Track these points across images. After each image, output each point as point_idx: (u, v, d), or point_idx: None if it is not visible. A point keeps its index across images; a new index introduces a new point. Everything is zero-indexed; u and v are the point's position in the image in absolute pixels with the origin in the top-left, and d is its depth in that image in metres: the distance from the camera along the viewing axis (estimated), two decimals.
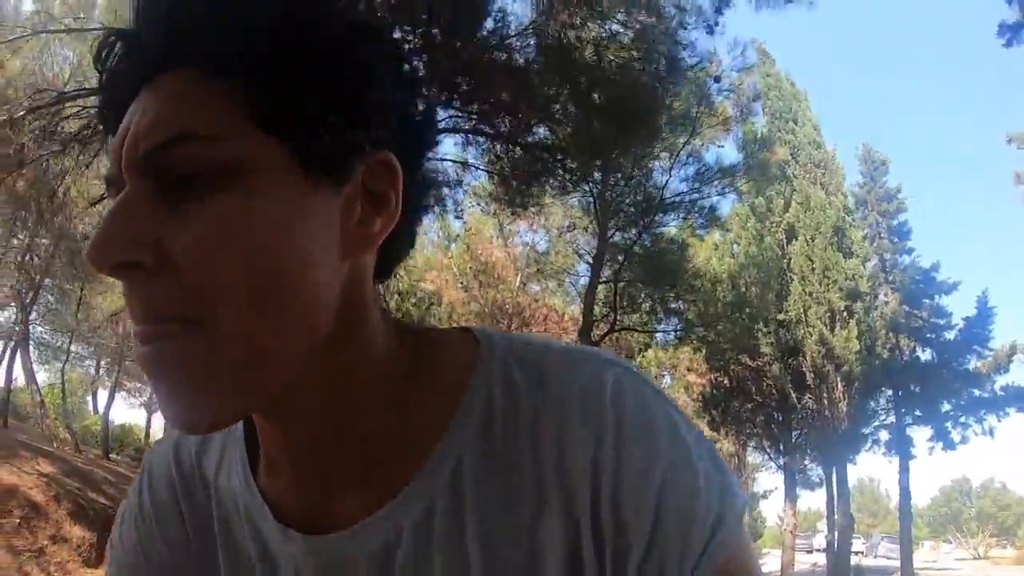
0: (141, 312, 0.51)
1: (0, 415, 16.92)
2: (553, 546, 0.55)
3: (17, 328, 18.30)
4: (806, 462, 19.00)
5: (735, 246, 18.03)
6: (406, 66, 0.61)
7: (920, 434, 17.46)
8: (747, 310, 14.43)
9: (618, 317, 14.11)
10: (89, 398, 31.47)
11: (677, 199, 13.02)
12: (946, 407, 15.87)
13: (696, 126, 12.39)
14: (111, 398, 22.74)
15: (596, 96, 9.11)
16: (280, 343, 0.53)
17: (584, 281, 16.19)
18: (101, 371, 26.26)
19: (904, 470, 16.73)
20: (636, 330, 14.72)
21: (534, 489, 0.56)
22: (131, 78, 0.54)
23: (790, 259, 17.78)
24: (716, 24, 10.34)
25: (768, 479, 53.99)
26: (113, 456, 21.02)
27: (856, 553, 26.47)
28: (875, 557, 41.56)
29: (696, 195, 12.78)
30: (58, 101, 9.16)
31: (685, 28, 9.68)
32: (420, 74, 0.69)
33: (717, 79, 12.44)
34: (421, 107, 0.62)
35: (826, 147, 20.49)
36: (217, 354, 0.50)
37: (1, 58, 11.41)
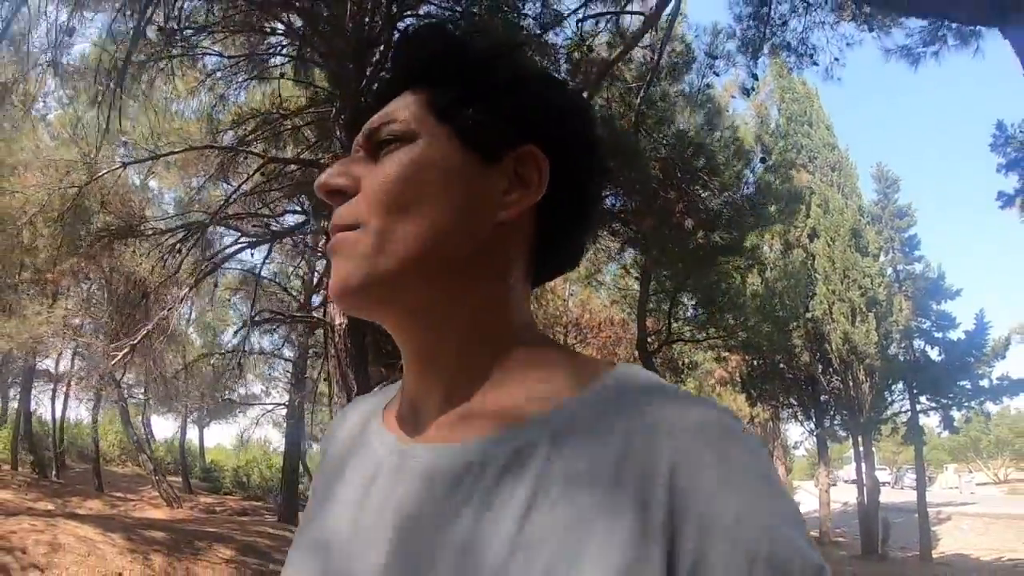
0: (334, 222, 0.71)
1: None
2: (615, 541, 0.55)
3: None
4: (835, 428, 21.24)
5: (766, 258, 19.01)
6: (554, 80, 0.78)
7: (930, 421, 19.82)
8: (780, 314, 16.37)
9: (671, 328, 15.71)
10: None
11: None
12: (951, 395, 17.98)
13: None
14: None
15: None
16: (407, 251, 0.68)
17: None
18: None
19: (919, 455, 19.02)
20: (688, 340, 16.63)
21: (614, 487, 0.57)
22: (380, 100, 0.77)
23: (814, 258, 19.42)
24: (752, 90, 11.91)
25: (796, 433, 55.78)
26: None
27: (884, 484, 28.57)
28: (901, 488, 43.12)
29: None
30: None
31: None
32: (575, 86, 0.90)
33: (763, 159, 13.49)
34: (576, 113, 0.76)
35: (840, 148, 21.60)
36: (360, 246, 0.69)
37: None
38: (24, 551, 11.88)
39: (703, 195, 10.00)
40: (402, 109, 0.72)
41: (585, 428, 0.61)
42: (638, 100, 8.50)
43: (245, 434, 37.27)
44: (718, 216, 10.17)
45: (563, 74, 8.55)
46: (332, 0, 8.35)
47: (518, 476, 0.60)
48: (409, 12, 8.84)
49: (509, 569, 0.56)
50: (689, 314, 16.24)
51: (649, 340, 15.85)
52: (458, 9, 8.52)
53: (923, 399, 18.82)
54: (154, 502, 21.22)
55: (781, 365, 19.53)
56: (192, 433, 37.87)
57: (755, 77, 11.29)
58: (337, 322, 8.95)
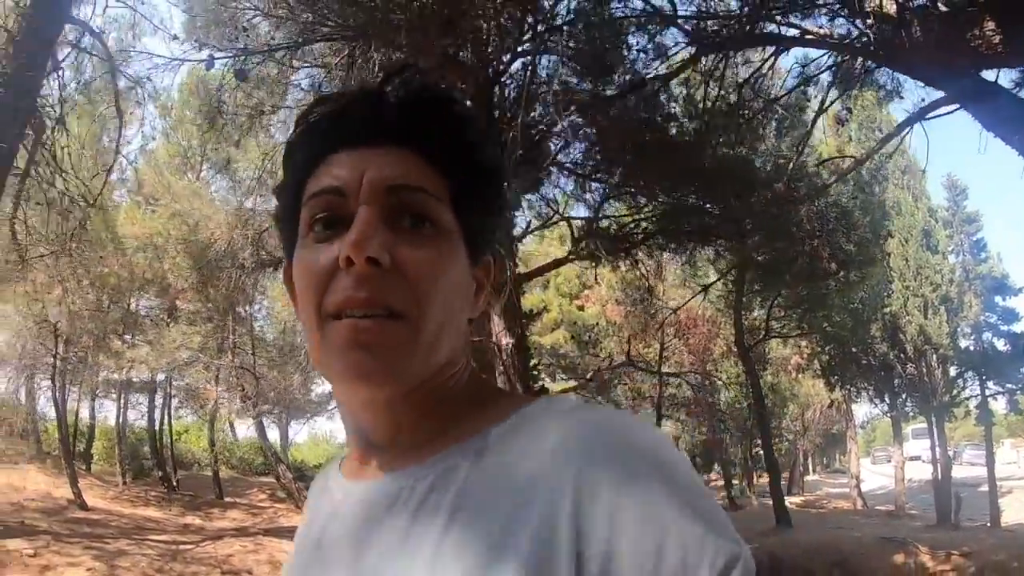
0: (368, 297, 0.67)
1: None
2: (526, 548, 0.59)
3: None
4: (908, 410, 23.12)
5: None
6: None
7: (996, 404, 22.23)
8: (864, 313, 18.18)
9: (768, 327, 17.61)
10: None
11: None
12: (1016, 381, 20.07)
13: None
14: None
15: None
16: (441, 347, 0.72)
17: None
18: None
19: (988, 435, 21.26)
20: (783, 336, 18.50)
21: (525, 501, 0.61)
22: (353, 136, 0.73)
23: (889, 256, 20.50)
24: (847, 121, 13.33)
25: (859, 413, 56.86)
26: None
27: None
28: (961, 464, 44.16)
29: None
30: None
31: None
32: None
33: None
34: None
35: (908, 152, 22.36)
36: (414, 341, 0.69)
37: None
38: (250, 572, 13.39)
39: (845, 245, 11.65)
40: (429, 183, 0.72)
41: (501, 449, 0.67)
42: (790, 166, 9.77)
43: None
44: (853, 257, 12.01)
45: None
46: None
47: (442, 493, 0.66)
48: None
49: (441, 562, 0.62)
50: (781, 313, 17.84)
51: (746, 337, 17.60)
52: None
53: (991, 384, 20.94)
54: (288, 507, 22.08)
55: (856, 352, 21.15)
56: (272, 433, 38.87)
57: (849, 111, 12.64)
58: (504, 343, 9.91)
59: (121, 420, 25.59)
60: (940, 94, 7.37)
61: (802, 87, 9.21)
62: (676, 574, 0.56)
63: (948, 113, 7.65)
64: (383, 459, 0.76)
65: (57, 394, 20.33)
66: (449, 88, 0.77)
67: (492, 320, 9.92)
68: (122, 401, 25.86)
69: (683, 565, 0.56)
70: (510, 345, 9.95)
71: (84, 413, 26.35)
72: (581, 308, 23.12)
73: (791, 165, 9.54)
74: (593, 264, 13.34)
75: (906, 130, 8.44)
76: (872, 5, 6.80)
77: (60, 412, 20.07)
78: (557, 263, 12.54)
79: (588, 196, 12.18)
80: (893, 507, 22.43)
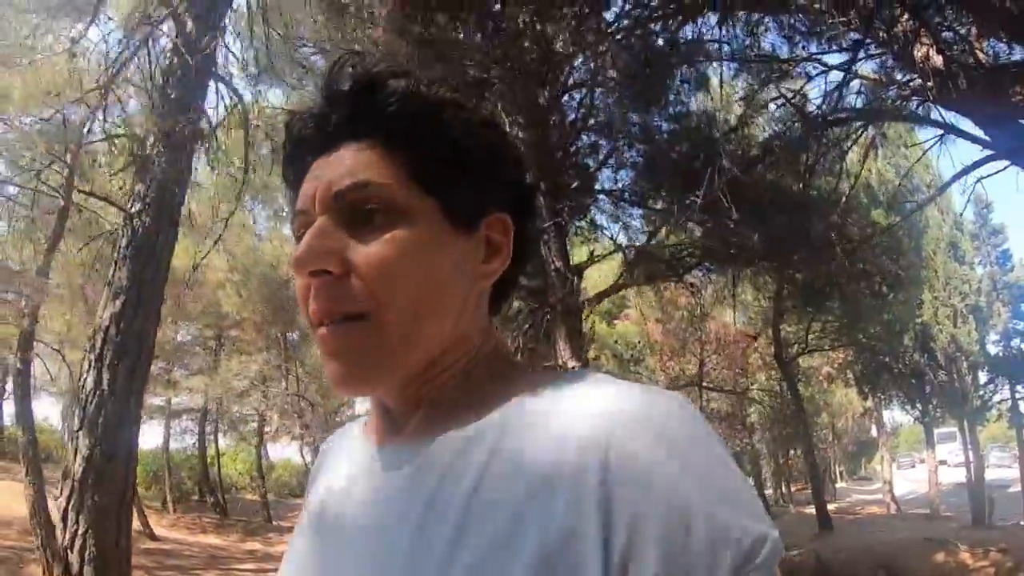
0: (324, 306, 0.70)
1: None
2: (555, 511, 0.59)
3: None
4: (938, 415, 23.82)
5: None
6: (517, 152, 0.81)
7: None
8: (896, 324, 18.80)
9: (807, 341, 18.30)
10: None
11: None
12: None
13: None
14: None
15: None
16: (422, 337, 0.71)
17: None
18: None
19: (1020, 437, 21.72)
20: (820, 350, 19.19)
21: (555, 464, 0.61)
22: (316, 146, 0.75)
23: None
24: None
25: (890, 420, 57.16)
26: None
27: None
28: (988, 466, 44.09)
29: None
30: None
31: None
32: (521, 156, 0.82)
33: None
34: (529, 182, 0.82)
35: (932, 166, 22.57)
36: (381, 340, 0.69)
37: None
38: None
39: (891, 268, 12.17)
40: (376, 172, 0.71)
41: (531, 417, 0.66)
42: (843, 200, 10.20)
43: None
44: (900, 281, 12.80)
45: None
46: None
47: (466, 464, 0.66)
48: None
49: (468, 529, 0.62)
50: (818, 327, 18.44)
51: (786, 352, 18.26)
52: None
53: (1020, 388, 21.59)
54: None
55: (887, 360, 21.75)
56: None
57: (884, 135, 13.21)
58: (571, 367, 9.92)
59: (167, 447, 25.81)
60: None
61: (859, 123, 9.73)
62: (702, 555, 0.56)
63: (999, 171, 7.82)
64: (408, 427, 0.75)
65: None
66: (390, 67, 0.75)
67: (558, 344, 10.64)
68: (168, 429, 26.21)
69: (711, 546, 0.56)
70: (576, 368, 10.37)
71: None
72: (611, 326, 23.72)
73: (844, 199, 10.10)
74: (643, 287, 14.02)
75: (955, 182, 8.82)
76: (920, 55, 7.47)
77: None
78: (616, 288, 13.09)
79: (638, 222, 12.66)
80: (928, 510, 22.96)
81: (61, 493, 4.46)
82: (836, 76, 9.36)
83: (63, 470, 4.47)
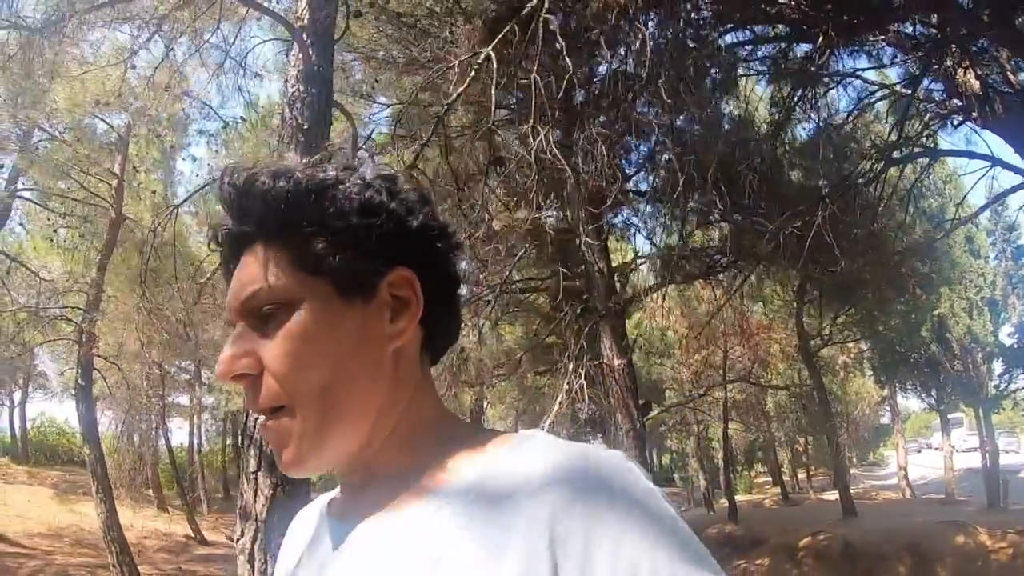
0: (251, 404, 0.74)
1: None
2: None
3: None
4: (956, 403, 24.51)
5: None
6: (414, 201, 0.80)
7: None
8: (914, 316, 19.42)
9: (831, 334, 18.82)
10: None
11: None
12: None
13: None
14: None
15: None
16: (342, 414, 0.74)
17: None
18: None
19: None
20: (842, 342, 19.77)
21: (507, 536, 0.63)
22: (229, 254, 0.81)
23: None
24: None
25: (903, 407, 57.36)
26: None
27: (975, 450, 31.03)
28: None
29: None
30: None
31: None
32: (418, 202, 0.80)
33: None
34: (430, 224, 0.80)
35: (947, 162, 23.37)
36: (304, 427, 0.73)
37: None
38: None
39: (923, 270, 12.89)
40: (269, 273, 0.74)
41: (480, 494, 0.67)
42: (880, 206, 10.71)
43: None
44: (931, 282, 13.38)
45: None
46: None
47: (426, 540, 0.67)
48: None
49: None
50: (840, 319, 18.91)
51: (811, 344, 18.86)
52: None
53: None
54: None
55: (904, 351, 22.46)
56: None
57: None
58: (616, 364, 10.76)
59: (195, 448, 26.45)
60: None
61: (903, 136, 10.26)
62: None
63: None
64: (370, 501, 0.76)
65: (165, 431, 21.19)
66: (260, 169, 0.77)
67: (603, 343, 11.10)
68: (195, 430, 26.89)
69: None
70: (621, 366, 10.76)
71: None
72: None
73: (882, 206, 10.64)
74: (674, 286, 14.43)
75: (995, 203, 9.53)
76: (960, 78, 8.09)
77: (169, 447, 21.28)
78: (654, 287, 13.48)
79: (673, 223, 12.92)
80: (944, 495, 23.54)
81: (243, 534, 4.88)
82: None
83: (240, 509, 4.97)
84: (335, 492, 0.89)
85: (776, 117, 10.88)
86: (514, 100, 11.08)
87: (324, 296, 0.75)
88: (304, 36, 6.06)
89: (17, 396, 28.78)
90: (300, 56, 6.02)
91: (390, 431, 0.78)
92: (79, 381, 13.65)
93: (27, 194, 15.23)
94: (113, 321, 15.55)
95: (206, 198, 16.45)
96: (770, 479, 35.50)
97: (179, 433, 26.91)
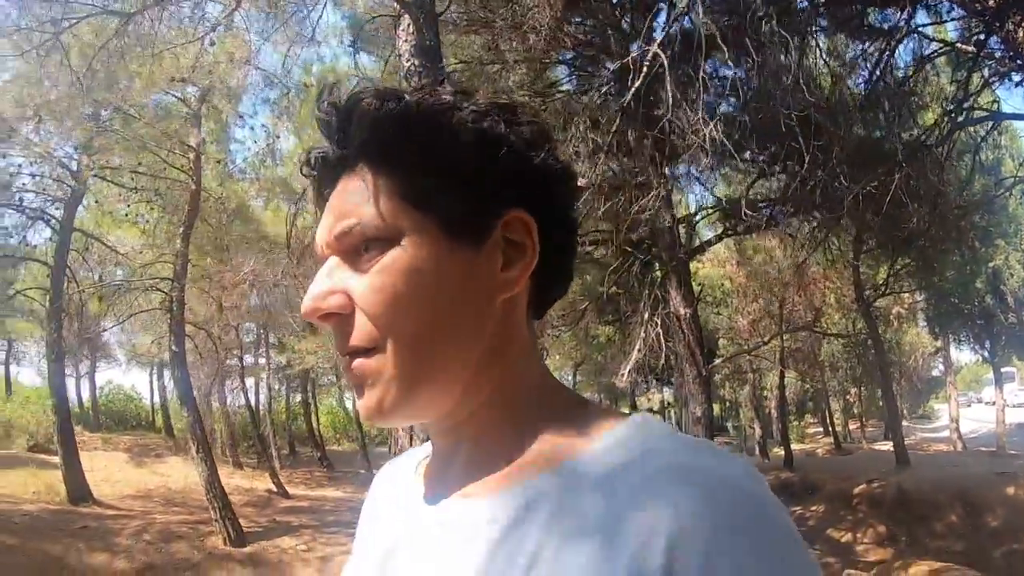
0: (338, 343, 0.70)
1: None
2: None
3: None
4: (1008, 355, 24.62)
5: None
6: (535, 136, 0.72)
7: None
8: (970, 269, 19.42)
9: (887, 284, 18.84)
10: None
11: None
12: None
13: None
14: None
15: None
16: (435, 364, 0.68)
17: None
18: None
19: None
20: (897, 292, 20.04)
21: (613, 548, 0.56)
22: (324, 180, 0.75)
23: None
24: None
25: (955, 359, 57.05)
26: None
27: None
28: None
29: None
30: None
31: None
32: (540, 137, 0.72)
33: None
34: (552, 163, 0.72)
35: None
36: (392, 372, 0.67)
37: None
38: None
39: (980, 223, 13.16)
40: (368, 203, 0.69)
41: (590, 484, 0.61)
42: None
43: None
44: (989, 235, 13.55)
45: None
46: None
47: (524, 533, 0.61)
48: None
49: None
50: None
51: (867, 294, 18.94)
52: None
53: None
54: None
55: (958, 302, 22.62)
56: None
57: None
58: (683, 312, 10.97)
59: (269, 408, 26.78)
60: None
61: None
62: None
63: None
64: (459, 473, 0.72)
65: (244, 392, 22.10)
66: (366, 90, 0.71)
67: (670, 293, 11.38)
68: (270, 389, 27.24)
69: None
70: (688, 315, 11.01)
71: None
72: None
73: (947, 164, 10.83)
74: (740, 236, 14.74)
75: None
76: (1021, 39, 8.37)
77: (249, 407, 22.13)
78: (719, 237, 13.79)
79: (736, 174, 13.23)
80: (995, 447, 23.73)
81: None
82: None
83: (394, 455, 5.26)
84: (427, 450, 0.85)
85: (839, 71, 10.97)
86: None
87: (429, 233, 0.69)
88: (413, 10, 6.34)
89: (83, 367, 29.56)
90: (412, 30, 6.35)
91: (487, 394, 0.72)
92: (172, 347, 14.26)
93: (104, 172, 15.83)
94: (193, 288, 16.55)
95: (264, 164, 17.65)
96: (821, 429, 35.82)
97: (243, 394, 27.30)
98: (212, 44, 11.17)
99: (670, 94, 8.69)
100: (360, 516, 0.89)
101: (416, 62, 6.21)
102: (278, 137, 16.96)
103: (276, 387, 28.78)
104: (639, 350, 11.02)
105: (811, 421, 39.89)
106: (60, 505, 14.32)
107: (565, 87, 12.49)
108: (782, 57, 9.77)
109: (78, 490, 15.05)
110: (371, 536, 0.82)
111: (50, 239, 16.65)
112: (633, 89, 8.84)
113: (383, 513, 0.83)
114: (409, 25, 6.48)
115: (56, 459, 16.06)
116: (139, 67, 11.10)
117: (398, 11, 6.79)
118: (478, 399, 0.72)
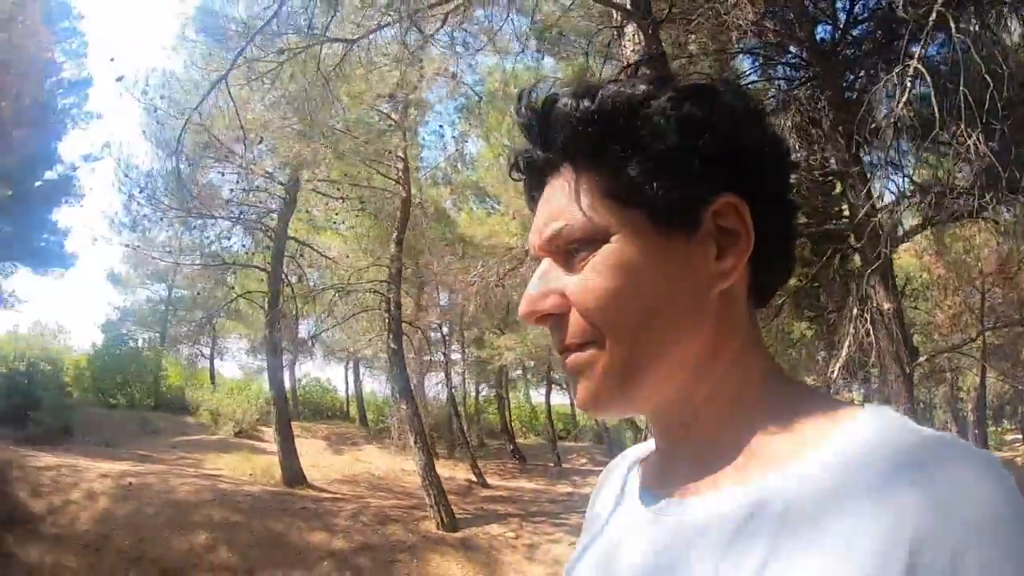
0: (559, 341, 0.71)
1: None
2: None
3: None
4: None
5: None
6: (743, 113, 0.70)
7: None
8: None
9: None
10: None
11: None
12: None
13: None
14: None
15: None
16: (653, 358, 0.68)
17: None
18: None
19: None
20: None
21: (850, 564, 0.53)
22: (531, 183, 0.77)
23: None
24: None
25: None
26: None
27: None
28: None
29: None
30: None
31: None
32: (747, 115, 0.70)
33: None
34: (761, 141, 0.71)
35: None
36: (606, 367, 0.68)
37: None
38: None
39: None
40: (577, 204, 0.69)
41: (822, 486, 0.58)
42: None
43: None
44: None
45: None
46: None
47: (753, 536, 0.59)
48: None
49: None
50: None
51: None
52: None
53: None
54: None
55: None
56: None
57: None
58: (886, 307, 10.31)
59: (462, 401, 27.08)
60: None
61: None
62: None
63: None
64: (683, 473, 0.71)
65: (449, 386, 23.09)
66: (563, 88, 0.72)
67: (873, 287, 10.92)
68: (461, 384, 27.43)
69: None
70: (891, 310, 10.42)
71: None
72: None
73: None
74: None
75: None
76: None
77: (452, 401, 23.22)
78: (922, 226, 13.17)
79: (938, 160, 12.67)
80: None
81: None
82: None
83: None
84: (649, 446, 0.85)
85: None
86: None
87: (639, 228, 0.68)
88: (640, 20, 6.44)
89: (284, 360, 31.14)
90: (639, 39, 6.46)
91: (710, 390, 0.71)
92: (391, 344, 15.15)
93: (316, 185, 17.12)
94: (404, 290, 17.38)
95: (456, 169, 18.83)
96: (1020, 436, 33.50)
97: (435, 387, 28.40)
98: (421, 61, 11.58)
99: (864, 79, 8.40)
100: (587, 510, 0.90)
101: (646, 71, 6.23)
102: (466, 141, 18.13)
103: (466, 382, 29.44)
104: (849, 346, 10.60)
105: (1009, 428, 37.50)
106: (277, 487, 15.36)
107: (750, 76, 12.27)
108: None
109: (293, 474, 16.28)
110: (595, 531, 0.83)
111: (267, 247, 18.05)
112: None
113: (603, 509, 0.84)
114: (635, 34, 6.54)
115: (263, 444, 17.94)
116: (352, 87, 11.76)
117: (620, 20, 6.98)
118: (700, 395, 0.71)
